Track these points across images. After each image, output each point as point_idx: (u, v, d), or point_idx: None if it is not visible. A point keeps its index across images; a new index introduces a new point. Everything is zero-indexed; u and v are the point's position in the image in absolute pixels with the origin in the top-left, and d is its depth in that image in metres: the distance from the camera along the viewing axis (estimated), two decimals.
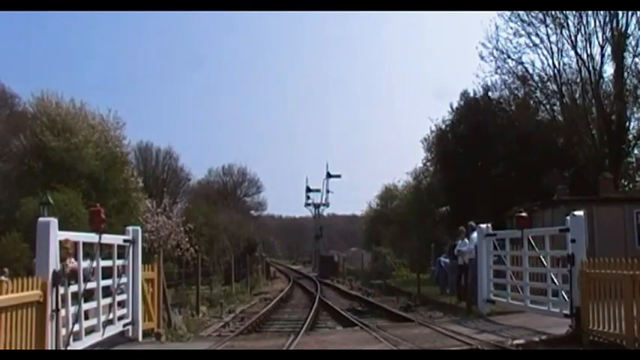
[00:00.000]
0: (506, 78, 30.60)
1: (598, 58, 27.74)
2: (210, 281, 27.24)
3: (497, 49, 29.69)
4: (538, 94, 30.60)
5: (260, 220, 75.49)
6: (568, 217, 10.05)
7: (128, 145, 31.99)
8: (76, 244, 8.29)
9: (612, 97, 28.27)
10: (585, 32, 27.60)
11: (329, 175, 67.01)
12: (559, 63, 28.58)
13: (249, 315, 17.78)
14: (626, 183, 28.89)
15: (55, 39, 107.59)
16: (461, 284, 15.77)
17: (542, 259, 10.91)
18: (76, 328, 7.96)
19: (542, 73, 29.44)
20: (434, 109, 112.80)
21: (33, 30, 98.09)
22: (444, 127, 32.98)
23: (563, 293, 9.98)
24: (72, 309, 7.84)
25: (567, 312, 9.53)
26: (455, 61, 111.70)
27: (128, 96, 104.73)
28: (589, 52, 27.72)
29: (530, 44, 28.90)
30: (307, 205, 70.37)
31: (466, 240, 15.50)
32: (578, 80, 28.64)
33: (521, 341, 8.86)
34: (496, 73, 30.46)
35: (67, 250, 8.10)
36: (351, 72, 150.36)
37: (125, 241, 9.97)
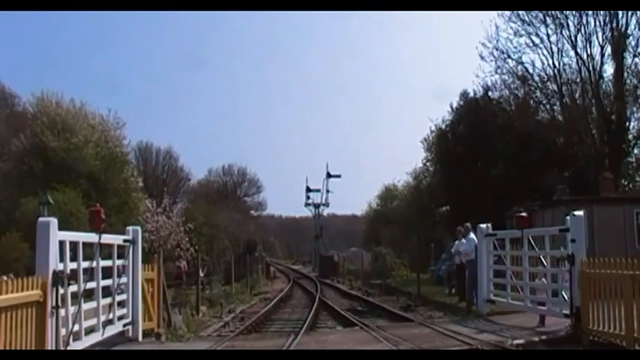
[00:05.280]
0: (506, 78, 30.72)
1: (598, 58, 27.85)
2: (210, 281, 27.22)
3: (497, 49, 29.81)
4: (538, 94, 30.64)
5: (260, 220, 75.46)
6: (568, 217, 10.05)
7: (128, 145, 32.16)
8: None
9: (612, 97, 28.30)
10: (585, 32, 27.68)
11: (329, 175, 66.88)
12: (559, 63, 28.69)
13: (249, 315, 17.76)
14: (626, 183, 28.91)
15: (54, 38, 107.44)
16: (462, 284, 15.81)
17: (542, 259, 10.91)
18: (76, 328, 7.96)
19: (542, 73, 29.54)
20: (434, 109, 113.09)
21: (33, 30, 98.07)
22: (443, 127, 33.03)
23: (563, 293, 9.98)
24: (72, 309, 7.84)
25: (567, 312, 9.54)
26: (455, 61, 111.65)
27: (128, 96, 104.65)
28: (589, 52, 27.82)
29: (530, 44, 29.02)
30: (307, 205, 70.22)
31: (463, 240, 15.55)
32: (578, 80, 28.69)
33: (521, 341, 8.87)
34: (496, 73, 30.59)
35: None
36: (351, 72, 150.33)
37: (125, 241, 9.97)
